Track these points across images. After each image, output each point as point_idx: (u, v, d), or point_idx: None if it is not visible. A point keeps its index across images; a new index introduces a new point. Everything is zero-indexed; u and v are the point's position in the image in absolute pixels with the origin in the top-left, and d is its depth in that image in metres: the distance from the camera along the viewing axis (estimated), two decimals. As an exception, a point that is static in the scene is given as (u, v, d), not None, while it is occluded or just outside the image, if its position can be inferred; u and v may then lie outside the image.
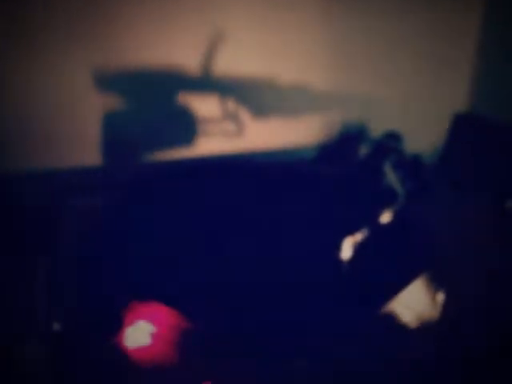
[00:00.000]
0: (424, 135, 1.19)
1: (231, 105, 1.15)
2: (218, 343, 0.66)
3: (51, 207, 0.94)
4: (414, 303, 0.75)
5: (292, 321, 0.70)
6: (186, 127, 1.14)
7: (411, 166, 0.94)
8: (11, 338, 0.68)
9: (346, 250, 0.82)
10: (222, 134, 1.16)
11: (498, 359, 0.73)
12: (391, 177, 0.90)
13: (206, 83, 1.10)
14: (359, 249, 0.82)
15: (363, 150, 1.02)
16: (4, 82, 0.98)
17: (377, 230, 0.85)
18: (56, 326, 0.67)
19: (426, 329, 0.74)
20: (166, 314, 0.66)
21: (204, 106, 1.13)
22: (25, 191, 0.98)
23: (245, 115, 1.17)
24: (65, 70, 1.00)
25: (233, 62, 1.10)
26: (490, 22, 1.24)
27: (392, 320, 0.73)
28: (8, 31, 0.94)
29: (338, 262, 0.82)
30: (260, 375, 0.66)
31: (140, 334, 0.65)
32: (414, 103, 1.27)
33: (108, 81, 1.04)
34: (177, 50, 1.06)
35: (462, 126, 1.15)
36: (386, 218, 0.86)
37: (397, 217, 0.86)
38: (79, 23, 0.98)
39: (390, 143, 0.96)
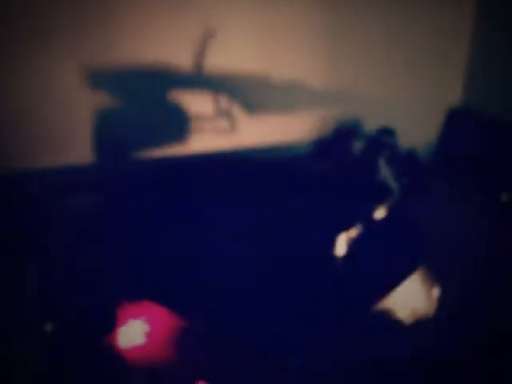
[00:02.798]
0: (418, 130, 1.19)
1: (224, 102, 1.14)
2: (212, 341, 0.65)
3: (43, 206, 0.93)
4: (409, 299, 0.74)
5: (288, 319, 0.69)
6: (180, 124, 1.13)
7: (405, 162, 0.93)
8: (3, 338, 0.68)
9: (341, 246, 0.82)
10: (216, 131, 1.16)
11: (497, 357, 0.73)
12: (385, 172, 0.90)
13: (198, 80, 1.10)
14: (354, 245, 0.82)
15: (357, 146, 1.02)
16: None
17: (371, 226, 0.84)
18: (48, 326, 0.66)
19: (422, 325, 0.74)
20: (159, 313, 0.65)
21: (197, 103, 1.12)
22: (18, 191, 0.97)
23: (238, 112, 1.16)
24: (57, 69, 0.99)
25: (226, 59, 1.10)
26: (485, 20, 1.24)
27: (388, 316, 0.73)
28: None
29: (333, 258, 0.81)
30: (256, 374, 0.65)
31: (134, 333, 0.65)
32: (409, 99, 1.27)
33: (100, 79, 1.03)
34: (169, 47, 1.06)
35: (456, 121, 1.15)
36: (380, 213, 0.86)
37: (391, 212, 0.86)
38: (71, 22, 0.97)
39: (384, 139, 0.96)
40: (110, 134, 1.08)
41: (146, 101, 1.09)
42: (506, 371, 0.72)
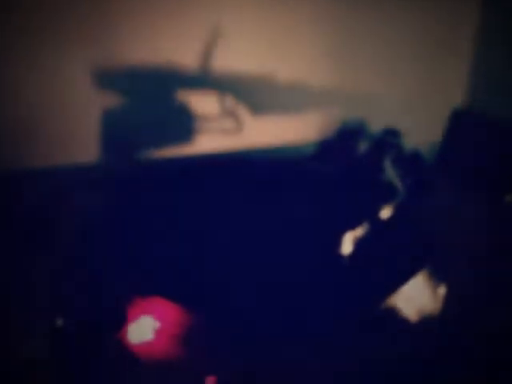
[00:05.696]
0: (423, 131, 1.20)
1: (230, 102, 1.15)
2: (221, 338, 0.66)
3: (51, 205, 0.94)
4: (415, 298, 0.75)
5: (293, 317, 0.70)
6: (185, 125, 1.14)
7: (410, 162, 0.94)
8: (14, 336, 0.68)
9: (347, 245, 0.82)
10: (221, 131, 1.16)
11: (499, 358, 0.73)
12: (390, 173, 0.90)
13: (204, 81, 1.10)
14: (360, 244, 0.83)
15: (362, 147, 1.02)
16: (0, 81, 0.98)
17: (377, 226, 0.85)
18: (59, 323, 0.67)
19: (427, 324, 0.74)
20: (169, 309, 0.66)
21: (203, 103, 1.13)
22: (24, 190, 0.97)
23: (243, 113, 1.17)
24: (62, 68, 1.00)
25: (231, 60, 1.11)
26: (489, 20, 1.25)
27: (393, 315, 0.73)
28: (3, 29, 0.94)
29: (339, 257, 0.82)
30: (265, 371, 0.66)
31: (143, 329, 0.65)
32: (413, 99, 1.27)
33: (106, 78, 1.04)
34: (175, 47, 1.06)
35: (460, 122, 1.16)
36: (385, 213, 0.86)
37: (397, 212, 0.86)
38: (79, 23, 0.98)
39: (388, 139, 0.97)
40: (118, 134, 1.09)
41: (154, 101, 1.10)
42: (507, 372, 0.72)
